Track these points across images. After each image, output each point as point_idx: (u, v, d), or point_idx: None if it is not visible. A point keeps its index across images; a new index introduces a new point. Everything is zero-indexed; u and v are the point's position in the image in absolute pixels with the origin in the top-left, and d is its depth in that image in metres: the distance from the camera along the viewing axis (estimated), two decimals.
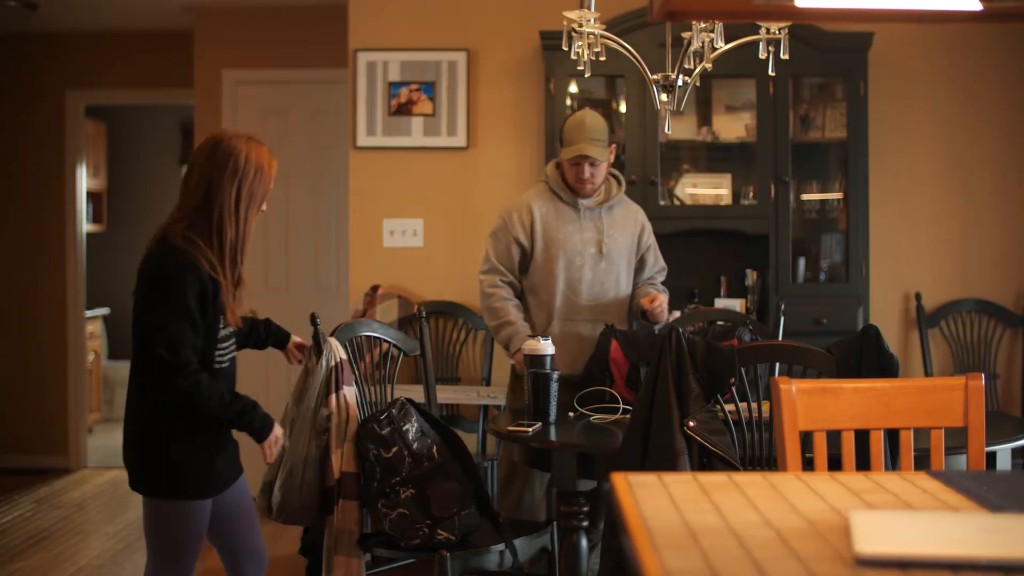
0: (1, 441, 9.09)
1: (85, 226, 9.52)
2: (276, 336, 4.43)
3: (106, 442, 10.25)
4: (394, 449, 4.23)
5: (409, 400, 4.38)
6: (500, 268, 5.26)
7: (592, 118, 5.18)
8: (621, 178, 5.42)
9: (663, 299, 5.20)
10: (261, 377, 8.11)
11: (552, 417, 4.59)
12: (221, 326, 3.88)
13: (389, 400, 4.65)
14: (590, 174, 5.18)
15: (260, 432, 3.97)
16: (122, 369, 11.33)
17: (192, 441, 3.88)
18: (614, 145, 5.32)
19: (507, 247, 5.27)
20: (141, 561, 6.43)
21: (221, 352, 3.94)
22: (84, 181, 9.48)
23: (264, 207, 4.00)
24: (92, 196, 11.17)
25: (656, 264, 5.48)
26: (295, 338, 4.46)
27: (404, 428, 4.25)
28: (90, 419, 10.14)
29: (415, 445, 4.25)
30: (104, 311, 10.99)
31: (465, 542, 4.29)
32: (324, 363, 4.37)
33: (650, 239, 5.45)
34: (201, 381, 3.76)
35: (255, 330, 4.34)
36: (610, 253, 5.27)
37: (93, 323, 10.47)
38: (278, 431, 4.04)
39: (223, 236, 3.83)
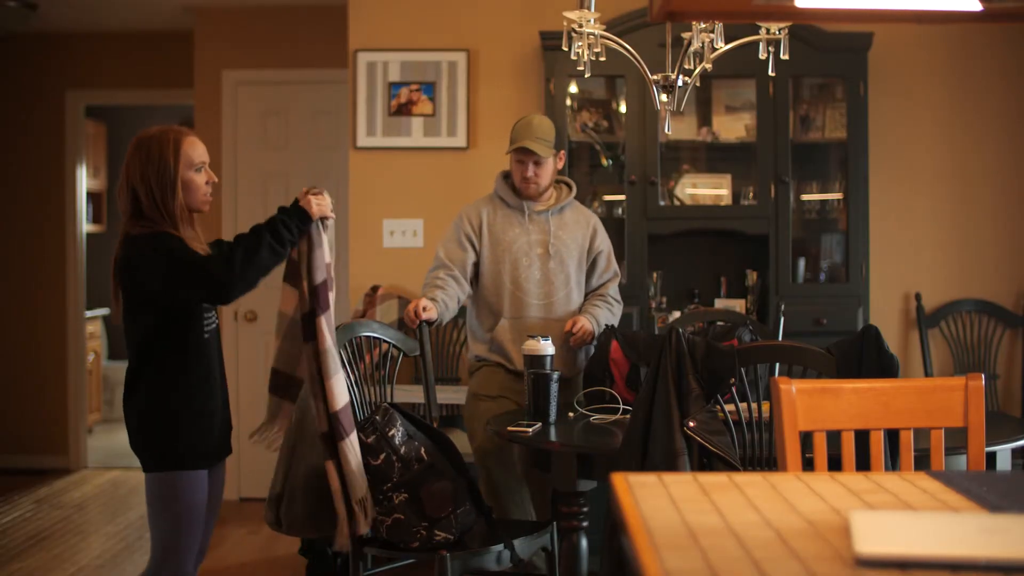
0: (1, 441, 9.09)
1: (85, 226, 9.52)
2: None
3: (106, 442, 10.26)
4: (382, 456, 4.23)
5: (392, 404, 4.39)
6: (446, 263, 5.30)
7: (540, 119, 5.28)
8: (572, 185, 5.46)
9: (584, 322, 5.17)
10: (261, 391, 8.07)
11: (552, 417, 4.59)
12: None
13: (389, 400, 4.65)
14: (534, 172, 5.23)
15: (300, 212, 4.14)
16: (122, 370, 11.30)
17: (189, 417, 4.00)
18: (563, 152, 5.39)
19: (456, 244, 5.31)
20: (141, 561, 6.43)
21: (208, 320, 4.10)
22: (84, 181, 9.48)
23: (207, 176, 4.11)
24: (92, 196, 11.18)
25: (608, 270, 5.45)
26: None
27: (390, 433, 4.25)
28: (90, 419, 10.14)
29: (403, 449, 4.25)
30: (104, 311, 10.98)
31: (464, 541, 4.30)
32: None
33: (603, 244, 5.44)
34: (230, 259, 3.96)
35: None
36: (558, 253, 5.28)
37: (93, 323, 10.47)
38: (327, 199, 4.20)
39: (164, 211, 3.96)
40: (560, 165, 5.36)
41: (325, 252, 4.17)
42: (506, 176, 5.42)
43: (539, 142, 5.17)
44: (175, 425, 3.97)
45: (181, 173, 3.98)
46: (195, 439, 4.00)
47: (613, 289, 5.42)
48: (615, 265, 5.48)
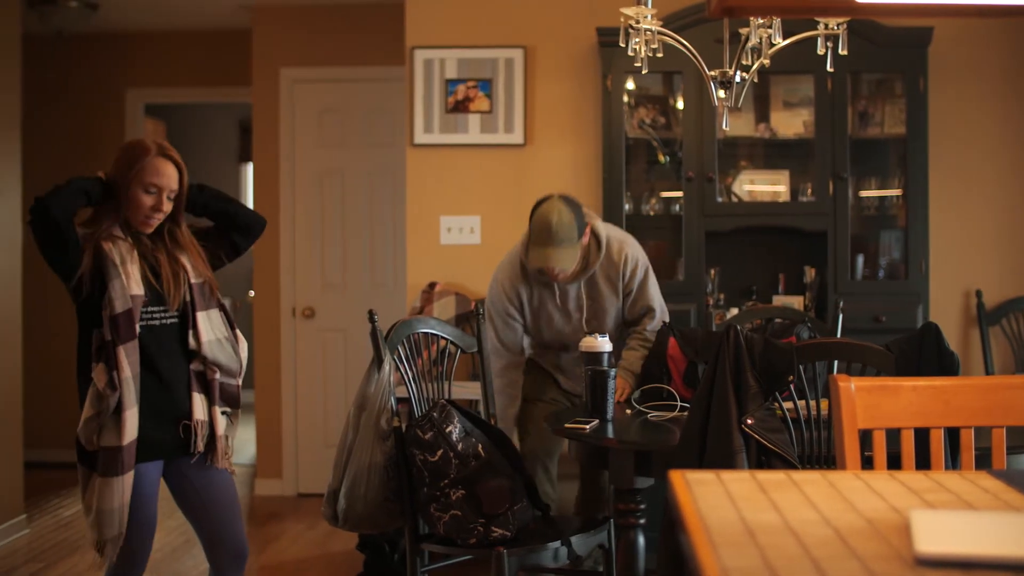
0: (63, 437, 9.10)
1: None
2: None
3: None
4: (439, 452, 4.24)
5: (450, 401, 4.40)
6: (505, 352, 5.27)
7: (559, 217, 4.88)
8: (601, 239, 5.12)
9: (625, 389, 5.03)
10: (318, 386, 8.15)
11: (609, 414, 4.58)
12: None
13: (447, 397, 4.66)
14: (561, 271, 5.00)
15: (84, 181, 4.16)
16: None
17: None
18: (588, 226, 5.04)
19: (506, 327, 5.24)
20: (201, 555, 6.47)
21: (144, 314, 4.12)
22: None
23: (154, 201, 4.15)
24: None
25: (640, 305, 5.23)
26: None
27: (447, 430, 4.26)
28: None
29: (460, 446, 4.26)
30: None
31: (520, 538, 4.30)
32: (386, 368, 4.40)
33: (633, 281, 5.18)
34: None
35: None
36: (595, 316, 5.19)
37: None
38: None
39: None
40: (585, 242, 5.04)
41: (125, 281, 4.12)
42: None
43: (561, 249, 4.89)
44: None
45: (132, 187, 4.11)
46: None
47: (651, 327, 5.23)
48: (653, 303, 5.24)
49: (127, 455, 4.00)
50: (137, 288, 4.04)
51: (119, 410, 3.99)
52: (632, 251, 5.18)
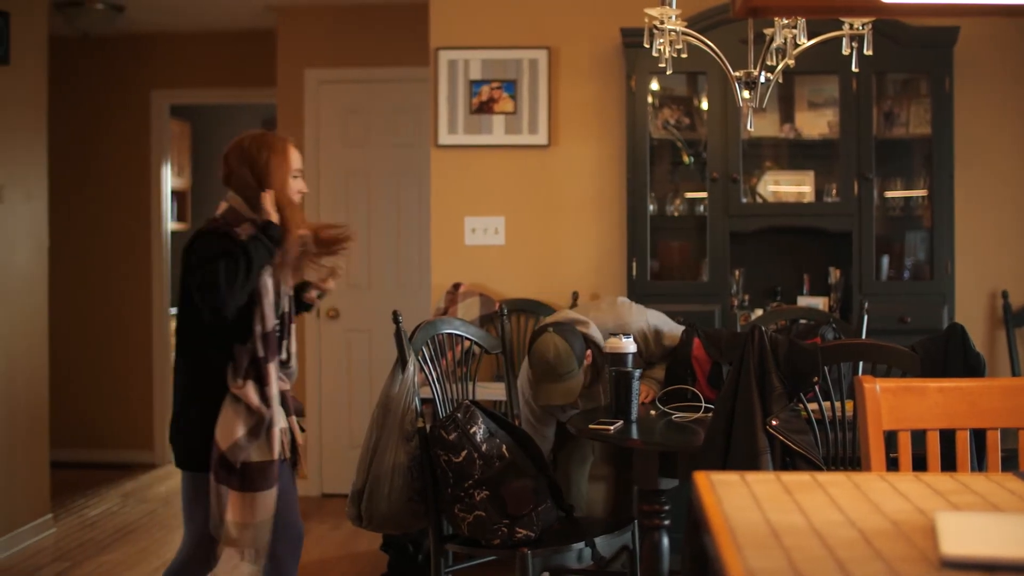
0: (89, 436, 9.21)
1: (169, 224, 9.64)
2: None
3: None
4: (463, 453, 4.25)
5: (474, 402, 4.41)
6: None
7: (556, 351, 4.76)
8: (601, 346, 4.94)
9: (649, 393, 5.00)
10: (343, 387, 8.16)
11: (633, 415, 4.58)
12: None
13: (471, 397, 4.67)
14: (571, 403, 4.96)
15: (278, 239, 4.09)
16: None
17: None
18: (589, 351, 4.91)
19: None
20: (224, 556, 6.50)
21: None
22: (168, 180, 9.60)
23: (301, 187, 4.28)
24: (176, 195, 11.29)
25: (663, 343, 5.16)
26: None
27: (471, 431, 4.27)
28: None
29: (484, 447, 4.27)
30: None
31: (544, 539, 4.30)
32: (410, 369, 4.41)
33: (652, 345, 5.12)
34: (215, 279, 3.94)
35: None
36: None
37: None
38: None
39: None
40: (588, 363, 4.94)
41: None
42: None
43: (564, 380, 4.80)
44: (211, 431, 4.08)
45: (286, 178, 4.22)
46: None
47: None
48: (667, 338, 5.17)
49: (275, 469, 4.06)
50: (276, 303, 4.10)
51: (268, 426, 4.03)
52: (633, 328, 5.10)
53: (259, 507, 4.03)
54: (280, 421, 4.06)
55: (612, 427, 4.41)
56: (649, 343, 5.10)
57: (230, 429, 3.98)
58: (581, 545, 4.32)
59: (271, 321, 4.02)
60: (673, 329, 5.16)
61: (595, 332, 4.98)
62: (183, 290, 4.08)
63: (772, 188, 6.68)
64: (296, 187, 4.21)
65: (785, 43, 4.39)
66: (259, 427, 4.02)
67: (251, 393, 3.98)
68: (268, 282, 4.04)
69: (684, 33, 4.40)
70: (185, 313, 4.10)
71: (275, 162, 4.15)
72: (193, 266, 3.98)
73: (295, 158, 4.24)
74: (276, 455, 4.03)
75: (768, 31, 4.40)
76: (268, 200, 4.11)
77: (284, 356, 4.16)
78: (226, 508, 4.01)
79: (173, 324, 9.92)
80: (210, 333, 4.03)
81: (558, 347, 4.76)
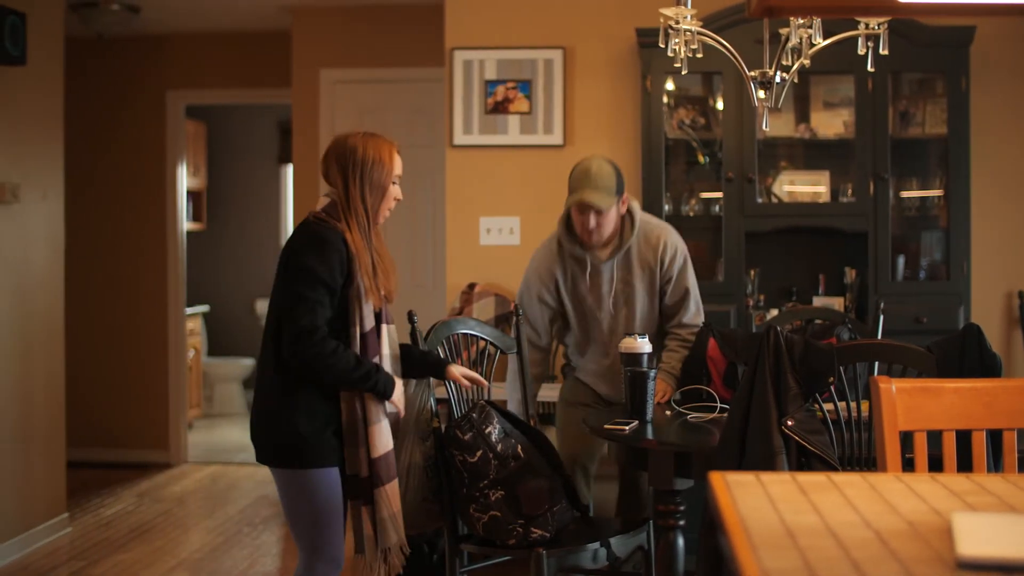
0: (105, 436, 9.23)
1: (185, 224, 9.65)
2: (429, 364, 4.39)
3: (206, 438, 10.41)
4: (479, 453, 4.25)
5: (489, 402, 4.41)
6: (534, 336, 5.29)
7: (599, 166, 5.01)
8: (636, 217, 5.16)
9: (666, 391, 5.04)
10: None
11: (648, 415, 4.58)
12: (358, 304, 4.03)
13: (486, 398, 4.67)
14: (595, 223, 5.01)
15: (384, 392, 4.01)
16: (221, 366, 11.49)
17: (312, 414, 3.98)
18: (626, 195, 5.10)
19: (538, 306, 5.26)
20: (240, 555, 6.52)
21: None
22: (184, 180, 9.61)
23: (398, 195, 4.24)
24: (192, 195, 11.34)
25: (676, 295, 5.22)
26: (457, 369, 4.40)
27: (487, 431, 4.27)
28: (190, 415, 10.27)
29: (499, 447, 4.27)
30: (204, 308, 11.12)
31: (560, 539, 4.31)
32: None
33: (673, 267, 5.19)
34: (326, 347, 3.89)
35: (407, 356, 4.33)
36: (628, 301, 5.17)
37: (193, 320, 10.61)
38: (400, 388, 4.10)
39: (354, 219, 4.10)
40: (624, 209, 5.11)
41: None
42: (568, 222, 5.21)
43: (599, 192, 4.96)
44: (298, 427, 4.01)
45: (388, 183, 4.20)
46: (316, 439, 4.01)
47: (687, 318, 5.23)
48: (691, 288, 5.25)
49: (383, 467, 4.03)
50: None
51: (368, 423, 4.01)
52: (672, 238, 5.21)
53: (393, 497, 4.06)
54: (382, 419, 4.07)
55: (627, 427, 4.41)
56: (672, 267, 5.18)
57: (385, 437, 4.02)
58: (596, 545, 4.32)
59: (368, 322, 4.02)
60: (692, 288, 5.27)
61: (636, 207, 5.20)
62: (284, 284, 4.02)
63: (787, 188, 6.67)
64: (394, 193, 4.19)
65: (800, 43, 4.39)
66: (395, 425, 4.10)
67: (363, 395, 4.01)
68: (362, 285, 4.03)
69: (699, 33, 4.40)
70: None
71: (377, 167, 4.14)
72: (303, 270, 3.96)
73: (397, 164, 4.20)
74: (382, 451, 4.02)
75: (783, 31, 4.40)
76: (455, 372, 4.28)
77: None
78: (380, 506, 4.03)
79: (189, 324, 9.96)
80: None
81: (601, 164, 5.04)
